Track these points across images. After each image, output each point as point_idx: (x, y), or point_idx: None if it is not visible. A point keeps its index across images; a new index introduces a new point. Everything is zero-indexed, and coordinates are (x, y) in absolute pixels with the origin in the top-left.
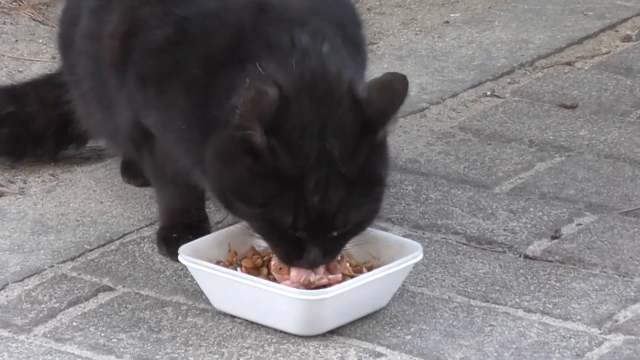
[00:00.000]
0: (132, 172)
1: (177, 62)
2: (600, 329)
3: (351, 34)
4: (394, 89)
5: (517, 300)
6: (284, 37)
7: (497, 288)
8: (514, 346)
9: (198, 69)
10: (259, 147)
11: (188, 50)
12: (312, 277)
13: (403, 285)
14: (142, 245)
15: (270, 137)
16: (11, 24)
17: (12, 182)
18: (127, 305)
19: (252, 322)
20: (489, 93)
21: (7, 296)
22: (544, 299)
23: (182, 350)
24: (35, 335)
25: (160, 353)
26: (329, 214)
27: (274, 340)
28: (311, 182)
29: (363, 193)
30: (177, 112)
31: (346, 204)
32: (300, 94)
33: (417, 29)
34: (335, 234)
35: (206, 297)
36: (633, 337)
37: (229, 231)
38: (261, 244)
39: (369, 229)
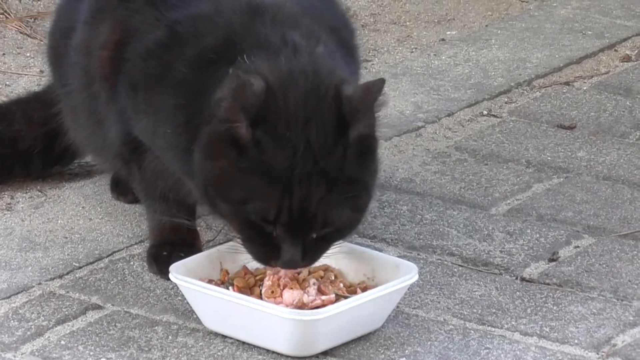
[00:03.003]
0: (121, 189)
1: (166, 64)
2: (598, 354)
3: (345, 39)
4: (369, 88)
5: (513, 323)
6: (275, 36)
7: (494, 310)
8: None
9: (186, 69)
10: (244, 140)
11: (177, 52)
12: (306, 299)
13: (398, 307)
14: (131, 263)
15: (256, 129)
16: None
17: None
18: (117, 324)
19: (244, 343)
20: (485, 112)
21: None
22: (541, 322)
23: None
24: (22, 354)
25: None
26: (311, 211)
27: None
28: (297, 176)
29: (342, 193)
30: (165, 115)
31: (326, 202)
32: (287, 87)
33: (412, 47)
34: (314, 235)
35: (197, 317)
36: None
37: (220, 249)
38: (254, 263)
39: (363, 249)
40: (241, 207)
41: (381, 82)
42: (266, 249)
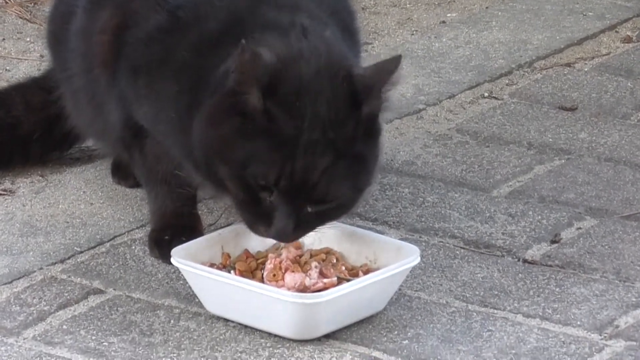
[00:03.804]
0: (122, 173)
1: (168, 49)
2: (600, 335)
3: (346, 22)
4: (384, 65)
5: (516, 305)
6: (283, 18)
7: (496, 293)
8: (513, 352)
9: (188, 54)
10: (253, 110)
11: (179, 36)
12: (308, 282)
13: (400, 290)
14: (133, 247)
15: (266, 99)
16: None
17: None
18: (118, 309)
19: (246, 326)
20: (486, 94)
21: None
22: (543, 304)
23: (175, 355)
24: (24, 339)
25: (152, 357)
26: (312, 179)
27: (268, 345)
28: (303, 143)
29: (347, 168)
30: (167, 100)
31: (330, 174)
32: (298, 62)
33: (413, 29)
34: (310, 209)
35: (199, 301)
36: (634, 343)
37: (222, 233)
38: (255, 246)
39: (365, 231)
40: (241, 169)
41: (397, 61)
42: (259, 216)
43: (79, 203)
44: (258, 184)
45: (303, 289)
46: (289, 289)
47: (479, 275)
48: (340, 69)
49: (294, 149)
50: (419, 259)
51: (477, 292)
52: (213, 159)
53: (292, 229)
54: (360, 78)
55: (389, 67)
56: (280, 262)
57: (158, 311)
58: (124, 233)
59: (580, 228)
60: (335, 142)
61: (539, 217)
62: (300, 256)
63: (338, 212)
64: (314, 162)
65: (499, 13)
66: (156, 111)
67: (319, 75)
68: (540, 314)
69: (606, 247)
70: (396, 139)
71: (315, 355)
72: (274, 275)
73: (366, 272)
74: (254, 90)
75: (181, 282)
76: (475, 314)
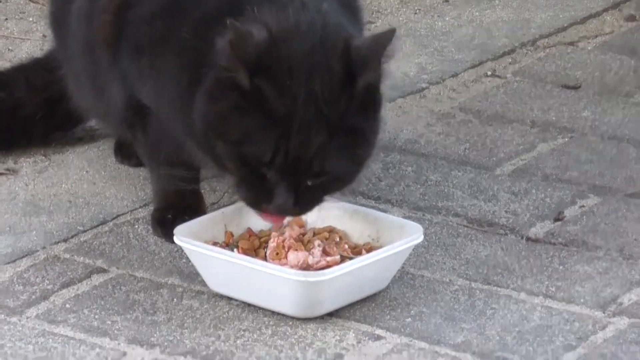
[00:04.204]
0: (125, 153)
1: (170, 27)
2: (604, 312)
3: (348, 1)
4: (379, 36)
5: (519, 283)
6: None
7: (499, 271)
8: (517, 329)
9: (190, 32)
10: (244, 88)
11: (181, 14)
12: (311, 260)
13: (403, 268)
14: (136, 226)
15: (257, 77)
16: (0, 2)
17: (2, 163)
18: (121, 287)
19: (249, 305)
20: (489, 73)
21: None
22: (546, 282)
23: (178, 333)
24: (28, 317)
25: (155, 335)
26: (308, 156)
27: (271, 323)
28: (297, 122)
29: (343, 143)
30: (169, 78)
31: (325, 150)
32: (292, 38)
33: (415, 8)
34: (309, 183)
35: (202, 279)
36: (638, 320)
37: (225, 212)
38: (258, 224)
39: (368, 210)
40: (238, 147)
41: (391, 33)
42: (259, 192)
43: (82, 182)
44: (255, 161)
45: (306, 267)
46: (292, 267)
47: (482, 253)
48: (338, 41)
49: (288, 127)
50: (422, 237)
51: (480, 270)
52: (211, 136)
53: (292, 203)
54: (356, 50)
55: (383, 39)
56: (283, 241)
57: (161, 290)
58: (127, 212)
59: (583, 206)
60: (330, 117)
61: (542, 195)
62: (304, 234)
63: (339, 184)
64: (309, 140)
65: None
66: (158, 90)
67: (314, 51)
68: (544, 291)
69: (610, 225)
70: (399, 118)
71: (318, 333)
72: (277, 253)
73: (369, 250)
74: (242, 70)
75: (184, 260)
76: (478, 291)
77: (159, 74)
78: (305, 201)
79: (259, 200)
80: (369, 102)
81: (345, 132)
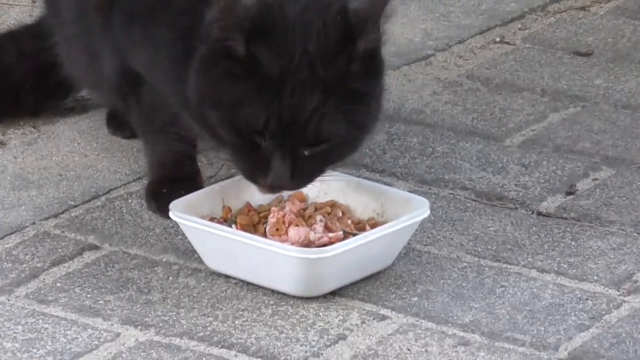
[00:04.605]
0: (118, 124)
1: None
2: (618, 290)
3: None
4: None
5: (530, 259)
6: None
7: (509, 247)
8: (527, 308)
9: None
10: (239, 55)
11: None
12: (312, 236)
13: (409, 244)
14: (129, 201)
15: (252, 42)
16: None
17: None
18: (115, 265)
19: (248, 283)
20: (498, 39)
21: None
22: (558, 259)
23: (174, 313)
24: (17, 297)
25: (150, 315)
26: (302, 119)
27: (271, 302)
28: (290, 83)
29: (340, 104)
30: (163, 47)
31: (321, 112)
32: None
33: None
34: (307, 153)
35: (199, 256)
36: None
37: (223, 186)
38: (257, 199)
39: (372, 183)
40: (231, 114)
41: None
42: (255, 164)
43: (73, 155)
44: (249, 128)
45: (307, 243)
46: (292, 243)
47: (491, 228)
48: (333, 3)
49: (281, 89)
50: (428, 211)
51: (489, 246)
52: (205, 106)
53: (289, 174)
54: (354, 12)
55: (381, 0)
56: (284, 216)
57: (156, 268)
58: (120, 186)
59: (596, 179)
60: (325, 79)
61: (554, 167)
62: (305, 209)
63: (338, 154)
64: (303, 101)
65: None
66: (152, 58)
67: (309, 11)
68: (556, 268)
69: (624, 198)
70: (404, 86)
71: (321, 313)
72: (277, 229)
73: (373, 226)
74: (237, 37)
75: (180, 237)
76: (487, 269)
77: (152, 42)
78: (302, 173)
79: (255, 172)
80: (370, 66)
81: (343, 95)
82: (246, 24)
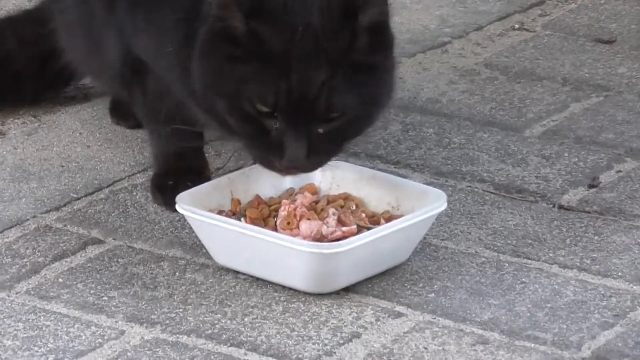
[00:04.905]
0: (122, 113)
1: None
2: None
3: None
4: None
5: (551, 255)
6: None
7: (529, 241)
8: (549, 305)
9: None
10: (240, 34)
11: None
12: (325, 230)
13: (425, 238)
14: (134, 193)
15: (252, 19)
16: None
17: None
18: (119, 260)
19: (257, 279)
20: (517, 26)
21: None
22: (581, 254)
23: (181, 310)
24: (17, 293)
25: (156, 312)
26: (312, 94)
27: (282, 299)
28: (295, 58)
29: (351, 79)
30: (166, 31)
31: (329, 86)
32: None
33: None
34: (321, 130)
35: (206, 251)
36: None
37: (231, 177)
38: (267, 191)
39: (387, 175)
40: (237, 98)
41: None
42: (268, 149)
43: (74, 145)
44: (257, 110)
45: (320, 237)
46: (304, 237)
47: (510, 222)
48: None
49: (287, 64)
50: (445, 205)
51: (508, 241)
52: (210, 94)
53: (305, 153)
54: None
55: None
56: (295, 209)
57: (162, 263)
58: (124, 178)
59: (620, 171)
60: (330, 52)
61: (576, 159)
62: (317, 202)
63: (352, 130)
64: (310, 75)
65: None
66: (155, 44)
67: None
68: (578, 264)
69: None
70: (419, 75)
71: (334, 310)
72: (288, 223)
73: (388, 220)
74: (236, 14)
75: (187, 231)
76: (507, 264)
77: (155, 27)
78: (318, 151)
79: (270, 157)
80: (378, 39)
81: (352, 69)
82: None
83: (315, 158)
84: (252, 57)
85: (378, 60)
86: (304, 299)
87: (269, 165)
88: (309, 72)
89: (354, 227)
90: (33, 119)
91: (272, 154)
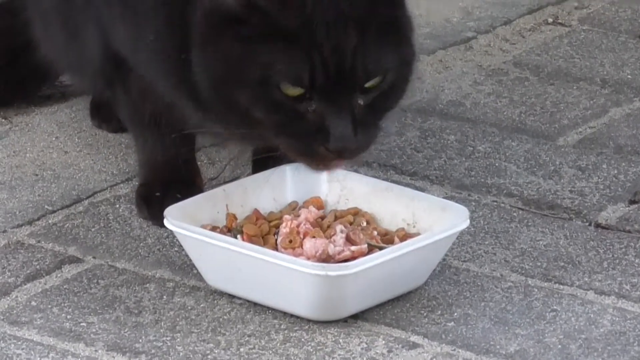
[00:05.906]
0: (104, 115)
1: None
2: None
3: None
4: None
5: (586, 279)
6: None
7: (562, 264)
8: (583, 336)
9: None
10: (242, 11)
11: None
12: (332, 249)
13: (444, 260)
14: (117, 206)
15: None
16: None
17: None
18: (99, 281)
19: (255, 304)
20: (550, 20)
21: None
22: (620, 279)
23: (168, 338)
24: None
25: (140, 341)
26: (347, 62)
27: (282, 327)
28: (319, 28)
29: (378, 37)
30: (144, 18)
31: (362, 51)
32: None
33: None
34: (361, 102)
35: (198, 272)
36: None
37: (227, 189)
38: (267, 205)
39: (402, 188)
40: (264, 85)
41: None
42: (308, 136)
43: (50, 151)
44: (285, 95)
45: (326, 258)
46: (308, 258)
47: (541, 242)
48: None
49: (312, 36)
50: (467, 222)
51: (538, 263)
52: (225, 87)
53: (352, 129)
54: None
55: None
56: (298, 225)
57: (147, 285)
58: (106, 188)
59: None
60: (353, 15)
61: (615, 171)
62: (323, 218)
63: (393, 95)
64: (340, 44)
65: None
66: (133, 33)
67: None
68: (616, 290)
69: None
70: (440, 74)
71: (341, 340)
72: (290, 241)
73: (403, 239)
74: None
75: (176, 249)
76: (536, 290)
77: (133, 14)
78: (365, 127)
79: (312, 145)
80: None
81: (377, 28)
82: None
83: (363, 134)
84: (268, 34)
85: (396, 16)
86: (307, 327)
87: (313, 156)
88: (339, 41)
89: (365, 246)
90: (3, 120)
91: (314, 141)
